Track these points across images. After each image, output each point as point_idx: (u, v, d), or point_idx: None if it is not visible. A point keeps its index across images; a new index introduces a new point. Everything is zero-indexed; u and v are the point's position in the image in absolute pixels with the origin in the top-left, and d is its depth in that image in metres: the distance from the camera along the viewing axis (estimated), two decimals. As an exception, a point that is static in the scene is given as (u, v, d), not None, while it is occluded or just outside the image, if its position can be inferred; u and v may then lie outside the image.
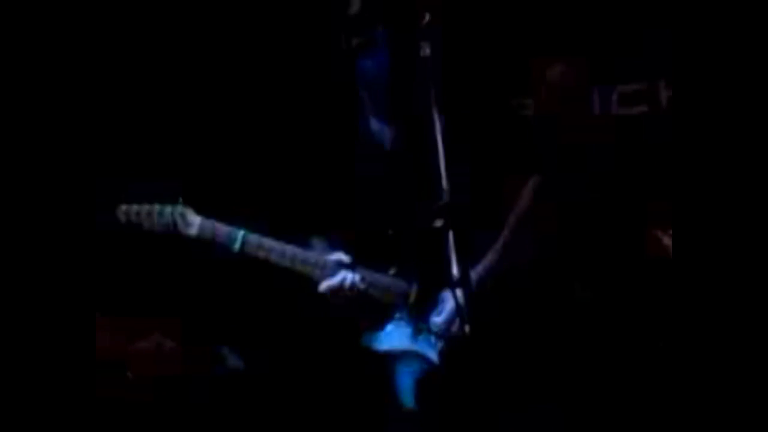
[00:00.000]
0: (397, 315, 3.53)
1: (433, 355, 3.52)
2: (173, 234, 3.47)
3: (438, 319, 3.53)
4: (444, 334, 3.52)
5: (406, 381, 3.52)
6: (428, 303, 3.54)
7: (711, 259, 3.43)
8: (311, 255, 3.48)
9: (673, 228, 4.23)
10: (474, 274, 3.44)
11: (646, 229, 4.56)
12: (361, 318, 3.54)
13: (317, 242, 3.56)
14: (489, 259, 3.58)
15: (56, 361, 4.43)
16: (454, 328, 3.50)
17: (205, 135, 4.86)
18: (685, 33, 3.55)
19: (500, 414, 3.34)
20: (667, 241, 4.51)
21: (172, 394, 4.52)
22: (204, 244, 3.47)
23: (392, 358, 3.53)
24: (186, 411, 4.52)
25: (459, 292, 3.09)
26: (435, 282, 3.49)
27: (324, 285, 3.45)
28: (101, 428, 4.42)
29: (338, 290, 3.44)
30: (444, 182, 3.15)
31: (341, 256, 3.48)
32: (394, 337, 3.51)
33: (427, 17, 3.24)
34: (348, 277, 3.45)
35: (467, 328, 3.08)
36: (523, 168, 3.67)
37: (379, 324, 3.53)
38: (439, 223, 3.13)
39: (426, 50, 3.27)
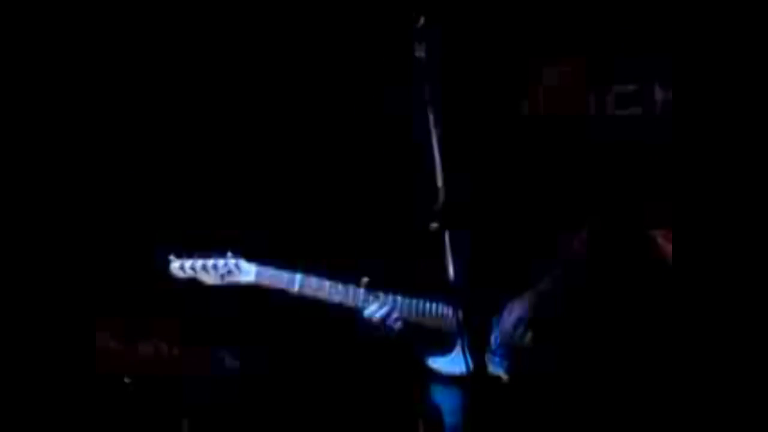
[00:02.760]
0: (459, 340, 3.53)
1: (502, 372, 3.65)
2: (229, 284, 3.65)
3: (497, 340, 3.66)
4: (505, 352, 3.65)
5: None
6: (485, 326, 3.66)
7: (712, 259, 3.43)
8: (358, 289, 3.64)
9: (674, 229, 4.23)
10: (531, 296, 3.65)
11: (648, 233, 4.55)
12: (418, 344, 3.70)
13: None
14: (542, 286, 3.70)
15: (56, 362, 4.45)
16: (513, 343, 3.63)
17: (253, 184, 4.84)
18: (686, 35, 3.56)
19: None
20: (667, 245, 4.49)
21: (171, 395, 4.52)
22: (258, 290, 3.66)
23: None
24: (184, 412, 4.52)
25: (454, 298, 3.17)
26: (486, 306, 3.64)
27: (367, 312, 3.61)
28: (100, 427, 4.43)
29: (378, 318, 3.61)
30: (440, 183, 3.17)
31: (366, 280, 3.64)
32: (461, 361, 3.51)
33: (422, 20, 3.26)
34: (386, 306, 3.61)
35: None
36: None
37: (443, 349, 3.66)
38: (435, 225, 3.14)
39: (421, 52, 3.29)
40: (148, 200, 4.64)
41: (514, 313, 3.67)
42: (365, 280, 3.63)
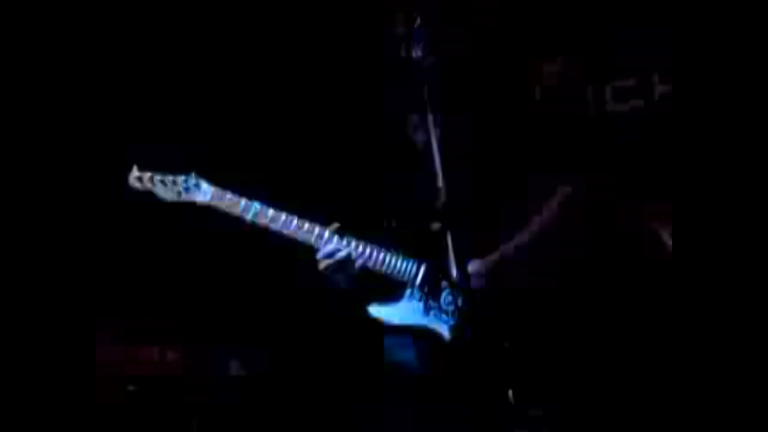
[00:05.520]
0: (408, 291, 3.59)
1: (444, 331, 3.56)
2: (183, 202, 3.58)
3: (448, 297, 3.56)
4: (454, 310, 3.55)
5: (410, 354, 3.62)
6: (439, 281, 3.56)
7: (711, 257, 3.43)
8: (316, 226, 3.57)
9: (674, 225, 4.23)
10: (488, 262, 3.54)
11: (645, 227, 4.57)
12: (365, 290, 3.60)
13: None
14: (502, 251, 3.61)
15: (56, 365, 4.44)
16: (462, 305, 3.52)
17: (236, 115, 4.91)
18: (685, 30, 3.56)
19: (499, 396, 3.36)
20: (667, 238, 4.51)
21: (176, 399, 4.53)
22: (212, 212, 3.59)
23: (400, 331, 3.60)
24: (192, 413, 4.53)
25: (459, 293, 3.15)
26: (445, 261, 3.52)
27: (322, 252, 3.53)
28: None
29: (336, 257, 3.52)
30: (440, 183, 3.16)
31: (336, 225, 3.57)
32: (405, 312, 3.58)
33: (419, 20, 3.26)
34: (344, 244, 3.53)
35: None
36: (546, 165, 3.69)
37: (389, 299, 3.59)
38: (436, 225, 3.14)
39: (418, 52, 3.29)
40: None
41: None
42: (335, 224, 3.57)
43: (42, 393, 4.44)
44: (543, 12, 4.76)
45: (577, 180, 3.71)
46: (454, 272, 3.18)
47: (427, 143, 3.26)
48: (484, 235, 3.59)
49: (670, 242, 4.36)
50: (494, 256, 3.58)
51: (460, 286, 3.34)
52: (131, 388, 4.45)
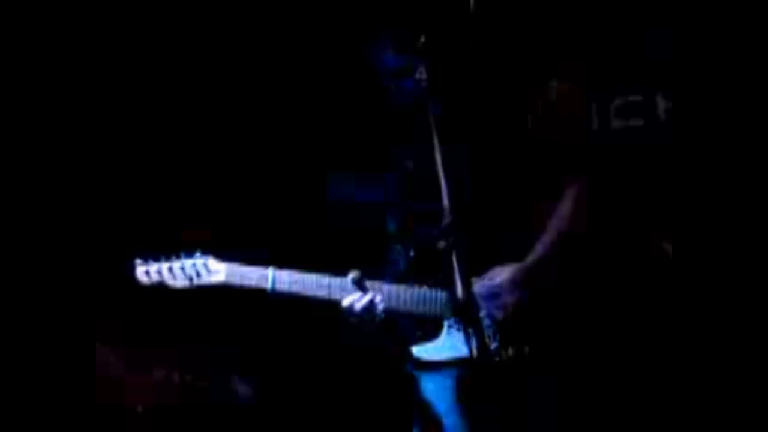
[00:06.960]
0: (446, 324, 3.53)
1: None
2: (198, 286, 3.46)
3: (486, 319, 3.53)
4: (495, 328, 3.53)
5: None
6: (471, 305, 3.48)
7: (711, 262, 3.45)
8: (335, 279, 3.48)
9: (674, 234, 4.25)
10: (516, 273, 3.54)
11: (649, 236, 4.59)
12: (403, 334, 3.57)
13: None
14: (530, 260, 3.60)
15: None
16: (500, 318, 3.53)
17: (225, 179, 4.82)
18: (685, 42, 3.58)
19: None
20: (668, 248, 4.52)
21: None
22: (231, 289, 3.47)
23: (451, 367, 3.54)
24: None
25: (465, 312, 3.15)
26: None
27: (343, 304, 3.45)
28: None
29: (357, 305, 3.44)
30: (445, 202, 3.17)
31: (356, 273, 3.46)
32: (448, 346, 3.52)
33: (423, 39, 3.27)
34: (366, 292, 3.45)
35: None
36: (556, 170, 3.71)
37: (430, 336, 3.55)
38: (441, 244, 3.14)
39: (422, 72, 3.30)
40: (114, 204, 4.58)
41: (497, 290, 3.58)
42: (355, 272, 3.45)
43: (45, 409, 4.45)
44: (547, 27, 4.78)
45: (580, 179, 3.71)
46: (459, 290, 3.15)
47: (431, 163, 3.26)
48: (487, 248, 3.60)
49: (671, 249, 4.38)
50: (523, 266, 3.58)
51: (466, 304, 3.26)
52: (140, 409, 4.45)
